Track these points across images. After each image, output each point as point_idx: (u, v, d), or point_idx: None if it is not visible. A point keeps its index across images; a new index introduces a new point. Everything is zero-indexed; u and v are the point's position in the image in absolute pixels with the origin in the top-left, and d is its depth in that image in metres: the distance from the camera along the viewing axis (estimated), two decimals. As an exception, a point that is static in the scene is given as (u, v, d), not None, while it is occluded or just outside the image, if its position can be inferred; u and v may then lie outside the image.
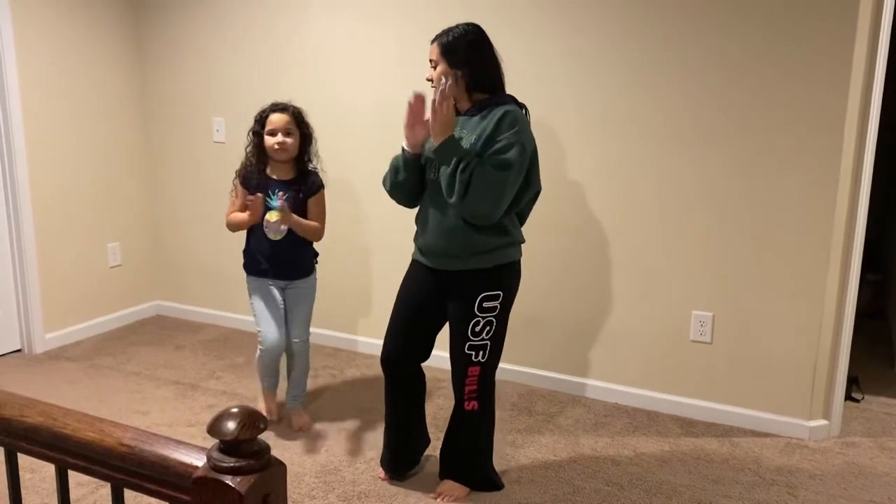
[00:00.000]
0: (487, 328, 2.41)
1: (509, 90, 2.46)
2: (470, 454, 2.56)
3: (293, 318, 2.97)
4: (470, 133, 2.34)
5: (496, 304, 2.40)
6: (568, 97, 3.20)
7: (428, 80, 2.42)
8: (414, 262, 2.57)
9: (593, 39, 3.11)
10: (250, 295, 2.95)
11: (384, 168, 2.53)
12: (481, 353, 2.43)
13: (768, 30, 2.82)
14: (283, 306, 2.94)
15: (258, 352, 2.95)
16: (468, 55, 2.35)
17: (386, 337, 2.57)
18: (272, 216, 2.76)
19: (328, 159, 3.68)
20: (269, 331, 2.89)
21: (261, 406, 3.09)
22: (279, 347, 2.92)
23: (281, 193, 2.78)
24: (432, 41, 2.39)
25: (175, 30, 4.07)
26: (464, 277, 2.39)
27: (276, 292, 2.93)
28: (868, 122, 2.79)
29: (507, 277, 2.42)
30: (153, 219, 4.39)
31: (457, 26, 2.38)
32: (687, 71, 2.97)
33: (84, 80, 3.93)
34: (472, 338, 2.40)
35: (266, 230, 2.79)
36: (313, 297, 3.02)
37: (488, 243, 2.36)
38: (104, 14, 4.00)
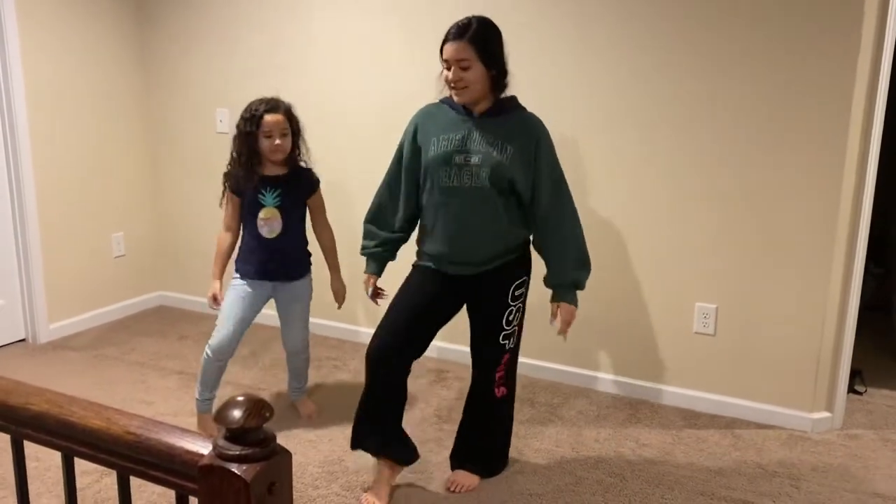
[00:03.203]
0: (518, 315, 2.44)
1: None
2: (502, 438, 2.61)
3: (290, 319, 2.92)
4: (489, 134, 2.25)
5: (524, 289, 2.44)
6: (572, 91, 3.18)
7: (451, 82, 2.24)
8: (421, 268, 2.46)
9: (601, 35, 3.09)
10: (226, 291, 2.84)
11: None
12: (511, 339, 2.46)
13: (773, 23, 2.80)
14: (254, 312, 2.83)
15: (204, 354, 2.81)
16: (496, 51, 2.24)
17: (380, 334, 2.38)
18: (266, 213, 2.75)
19: (332, 151, 3.69)
20: (225, 331, 2.76)
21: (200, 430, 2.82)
22: (227, 351, 2.79)
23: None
24: (455, 38, 2.19)
25: (178, 19, 4.06)
26: (493, 274, 2.37)
27: (255, 297, 2.82)
28: (873, 114, 2.77)
29: (527, 258, 2.45)
30: (157, 209, 4.39)
31: (470, 18, 2.24)
32: (689, 65, 2.95)
33: (87, 70, 3.93)
34: (506, 327, 2.41)
35: (260, 228, 2.77)
36: (309, 297, 2.95)
37: (519, 236, 2.39)
38: (107, 5, 3.99)
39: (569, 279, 2.39)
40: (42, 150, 3.74)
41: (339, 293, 2.96)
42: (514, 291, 2.39)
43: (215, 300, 2.85)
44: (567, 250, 2.37)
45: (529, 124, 2.32)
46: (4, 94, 3.57)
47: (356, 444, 2.50)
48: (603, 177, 3.20)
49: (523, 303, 2.46)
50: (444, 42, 2.24)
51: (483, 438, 2.58)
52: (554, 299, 2.42)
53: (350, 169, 3.71)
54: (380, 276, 2.56)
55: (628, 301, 3.25)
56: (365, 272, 2.56)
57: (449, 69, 2.24)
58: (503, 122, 2.29)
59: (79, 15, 3.85)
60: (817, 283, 2.91)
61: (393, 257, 2.56)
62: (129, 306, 4.29)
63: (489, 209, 2.30)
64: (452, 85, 2.25)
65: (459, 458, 2.60)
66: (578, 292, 2.43)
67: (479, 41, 2.20)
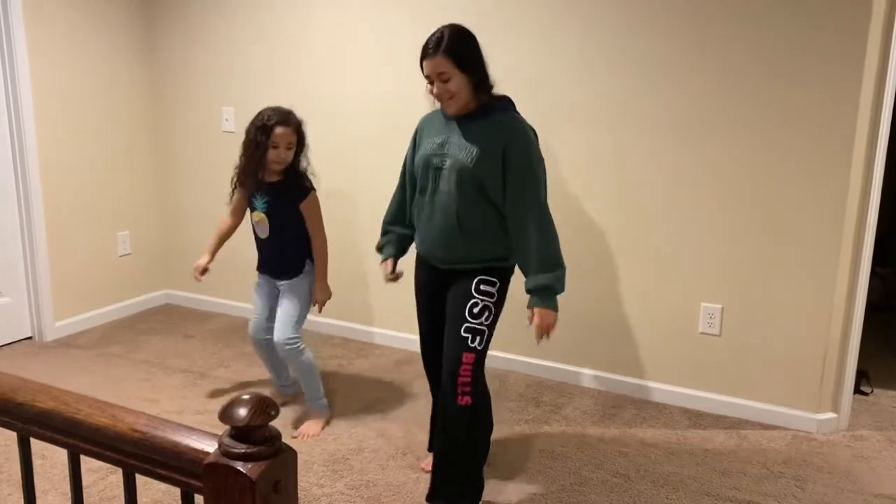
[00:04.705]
0: (486, 313, 2.31)
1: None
2: (460, 454, 2.37)
3: (277, 315, 2.94)
4: (462, 138, 2.26)
5: (493, 290, 2.33)
6: (575, 88, 3.18)
7: (436, 96, 2.27)
8: (419, 255, 2.53)
9: (605, 32, 3.09)
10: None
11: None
12: (478, 338, 2.31)
13: (779, 21, 2.79)
14: (273, 300, 2.99)
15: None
16: (473, 56, 2.26)
17: (422, 340, 2.60)
18: (255, 217, 2.91)
19: (336, 149, 3.69)
20: (254, 318, 3.04)
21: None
22: (257, 334, 3.03)
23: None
24: (430, 55, 2.21)
25: (185, 18, 4.07)
26: (464, 269, 2.36)
27: (268, 288, 3.01)
28: (880, 113, 2.76)
29: (503, 273, 2.37)
30: (163, 208, 4.40)
31: (442, 30, 2.24)
32: (695, 61, 2.95)
33: (94, 69, 3.94)
34: (470, 319, 2.29)
35: (254, 229, 2.95)
36: (300, 296, 2.93)
37: (487, 252, 2.32)
38: (114, 3, 4.00)
39: (536, 283, 2.26)
40: (48, 148, 3.75)
41: (321, 299, 2.97)
42: (478, 284, 2.30)
43: (199, 271, 3.03)
44: (530, 252, 2.27)
45: (502, 126, 2.26)
46: (12, 93, 3.58)
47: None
48: (607, 175, 3.19)
49: (494, 304, 2.33)
50: (421, 59, 2.26)
51: (441, 455, 2.40)
52: (528, 304, 2.31)
53: (355, 167, 3.71)
54: (395, 260, 2.59)
55: (633, 301, 3.24)
56: (381, 258, 2.63)
57: (432, 83, 2.26)
58: (479, 125, 2.27)
59: (86, 14, 3.86)
60: (823, 283, 2.90)
61: (403, 252, 2.61)
62: (135, 304, 4.31)
63: (459, 215, 2.28)
64: (437, 99, 2.30)
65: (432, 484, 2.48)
66: (558, 296, 2.33)
67: (454, 52, 2.20)
